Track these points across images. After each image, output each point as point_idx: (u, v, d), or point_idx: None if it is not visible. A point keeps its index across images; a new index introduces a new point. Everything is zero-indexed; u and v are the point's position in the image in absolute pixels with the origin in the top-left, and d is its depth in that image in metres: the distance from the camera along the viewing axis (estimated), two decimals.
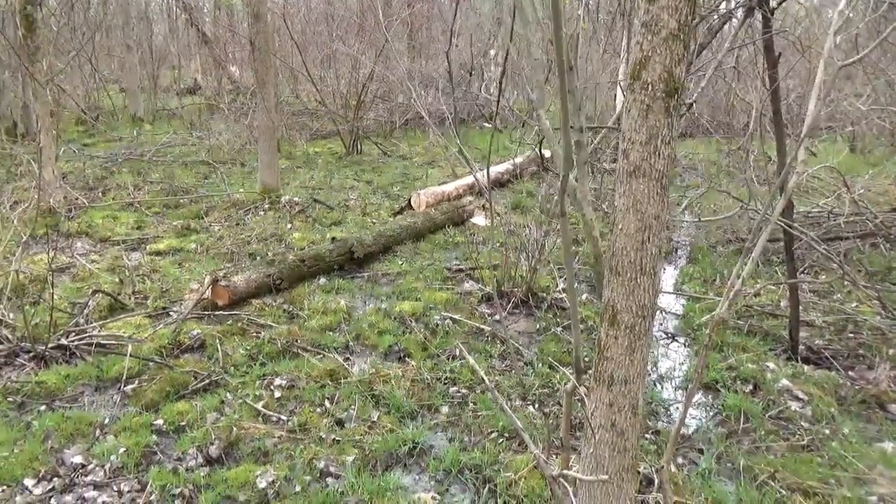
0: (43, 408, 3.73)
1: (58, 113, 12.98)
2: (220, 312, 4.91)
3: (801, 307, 4.64)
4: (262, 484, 3.04)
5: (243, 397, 3.81)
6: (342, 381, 4.02)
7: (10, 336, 4.36)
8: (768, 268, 6.33)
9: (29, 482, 3.09)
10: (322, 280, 5.71)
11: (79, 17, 14.35)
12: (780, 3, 3.08)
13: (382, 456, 3.31)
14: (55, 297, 4.95)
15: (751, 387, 4.16)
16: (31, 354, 4.23)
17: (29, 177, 8.54)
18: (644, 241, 1.72)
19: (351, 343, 4.60)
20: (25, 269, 5.52)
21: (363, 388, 3.93)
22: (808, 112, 2.14)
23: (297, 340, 4.51)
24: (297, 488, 3.03)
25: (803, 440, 3.59)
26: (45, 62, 7.48)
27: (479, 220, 7.78)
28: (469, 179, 8.56)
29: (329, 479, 3.13)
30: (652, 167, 1.66)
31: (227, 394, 3.86)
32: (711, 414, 3.94)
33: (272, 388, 3.93)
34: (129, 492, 3.04)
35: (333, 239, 6.20)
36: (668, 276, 6.43)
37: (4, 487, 3.05)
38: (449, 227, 7.31)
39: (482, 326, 4.85)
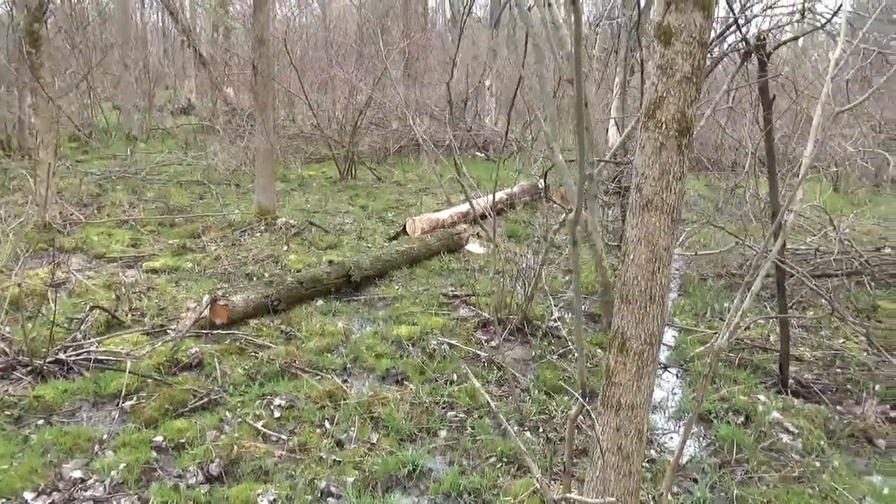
0: (41, 422, 3.72)
1: (55, 129, 12.99)
2: (218, 332, 4.93)
3: (790, 341, 4.75)
4: (263, 502, 3.05)
5: (243, 416, 3.83)
6: (341, 402, 4.04)
7: (7, 350, 4.36)
8: (757, 303, 6.47)
9: (28, 496, 3.08)
10: (319, 302, 5.75)
11: (78, 35, 14.45)
12: (776, 48, 3.24)
13: (382, 477, 3.34)
14: (52, 312, 4.96)
15: (743, 418, 4.24)
16: (29, 368, 4.22)
17: (24, 191, 8.54)
18: (654, 271, 1.81)
19: (349, 365, 4.64)
20: (21, 283, 5.51)
21: (362, 410, 3.96)
22: (806, 153, 2.26)
23: (295, 361, 4.54)
24: None
25: (795, 472, 3.66)
26: (49, 78, 7.54)
27: (475, 247, 7.87)
28: (464, 207, 8.67)
29: (330, 499, 3.15)
30: (664, 201, 1.76)
31: (227, 412, 3.88)
32: (705, 444, 4.01)
33: (272, 407, 3.95)
34: None
35: (331, 262, 6.26)
36: None
37: (4, 501, 3.04)
38: (444, 253, 7.40)
39: (479, 352, 4.91)
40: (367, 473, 3.35)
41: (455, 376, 4.46)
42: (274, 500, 3.07)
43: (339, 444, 3.62)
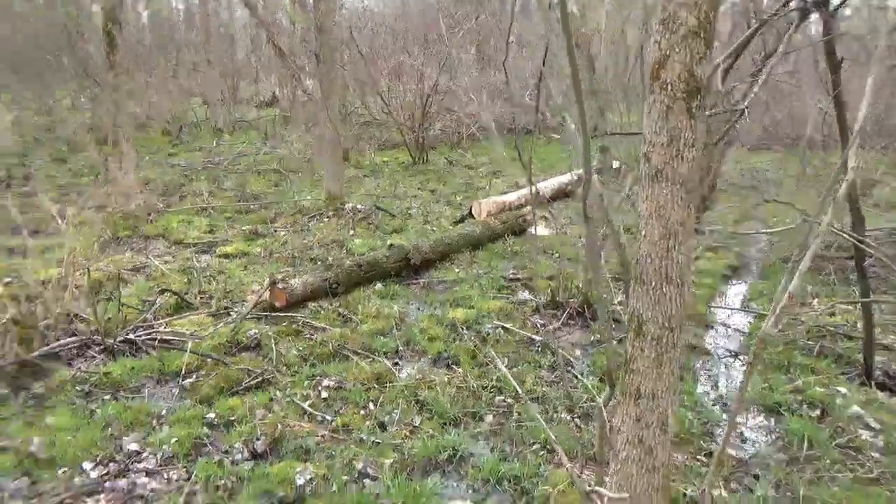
0: (108, 397, 3.94)
1: (144, 124, 13.78)
2: (278, 314, 5.05)
3: (878, 329, 4.34)
4: (300, 481, 3.10)
5: (291, 396, 3.90)
6: (388, 385, 4.05)
7: (84, 329, 4.64)
8: (846, 287, 5.97)
9: (87, 465, 3.26)
10: (378, 285, 5.78)
11: (165, 35, 15.20)
12: (841, 3, 2.91)
13: (421, 461, 3.31)
14: (128, 294, 5.25)
15: (818, 412, 3.92)
16: (102, 347, 4.48)
17: (113, 182, 9.09)
18: (669, 248, 1.66)
19: (401, 348, 4.64)
20: (104, 267, 5.86)
21: (408, 393, 3.95)
22: (858, 117, 2.01)
23: (348, 343, 4.59)
24: (334, 487, 3.06)
25: (872, 472, 3.35)
26: (130, 77, 7.96)
27: (541, 229, 7.70)
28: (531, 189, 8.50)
29: (366, 481, 3.15)
30: (675, 171, 1.60)
31: (277, 392, 3.97)
32: (772, 438, 3.73)
33: (320, 388, 4.01)
34: (176, 480, 3.16)
35: (391, 245, 6.28)
36: (738, 292, 6.18)
37: (65, 469, 3.24)
38: (508, 236, 7.27)
39: (534, 336, 4.79)
40: (406, 456, 3.33)
41: (506, 360, 4.37)
42: (311, 478, 3.11)
43: (382, 426, 3.63)
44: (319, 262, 6.32)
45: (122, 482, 3.16)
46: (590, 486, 2.43)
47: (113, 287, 5.35)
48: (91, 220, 6.42)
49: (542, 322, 5.13)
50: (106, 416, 3.69)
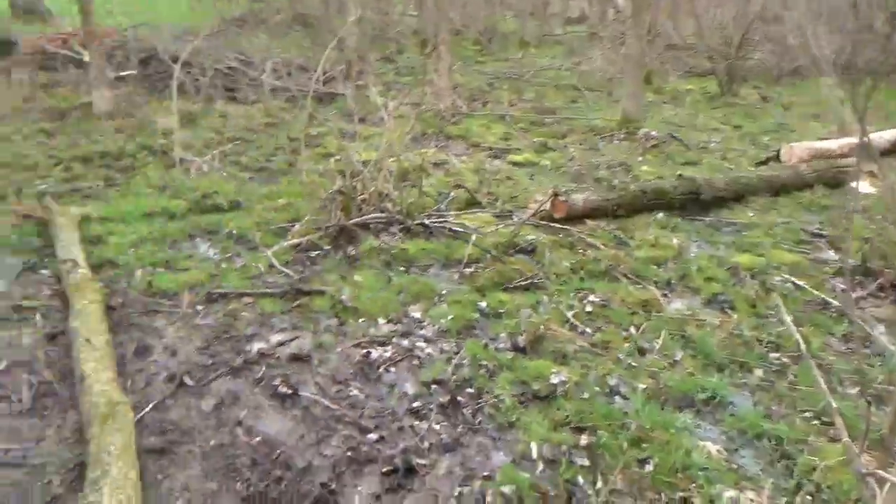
0: (402, 269, 4.53)
1: (459, 31, 14.60)
2: (555, 225, 5.20)
3: None
4: (554, 380, 3.27)
5: (557, 303, 4.07)
6: (654, 314, 3.98)
7: (390, 209, 5.32)
8: None
9: (381, 321, 3.85)
10: (660, 215, 5.57)
11: None
12: None
13: (676, 395, 3.25)
14: (427, 185, 5.85)
15: None
16: (402, 226, 5.10)
17: (429, 83, 9.94)
18: None
19: (673, 282, 4.48)
20: (411, 158, 6.57)
21: (674, 327, 3.84)
22: None
23: (620, 266, 4.57)
24: (585, 395, 3.18)
25: None
26: None
27: (865, 185, 6.60)
28: (856, 139, 7.25)
29: (616, 398, 3.21)
30: None
31: (544, 296, 4.16)
32: None
33: (586, 302, 4.10)
34: (447, 351, 3.57)
35: (680, 176, 5.96)
36: None
37: (364, 319, 3.86)
38: (819, 187, 6.39)
39: (829, 300, 4.25)
40: (662, 386, 3.30)
41: (791, 318, 3.97)
42: (564, 381, 3.26)
43: (641, 351, 3.61)
44: (604, 183, 6.28)
45: (406, 341, 3.67)
46: (868, 469, 2.18)
47: (416, 176, 5.98)
48: (406, 115, 7.18)
49: (843, 287, 4.51)
50: (400, 285, 4.26)
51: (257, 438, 2.92)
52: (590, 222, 5.35)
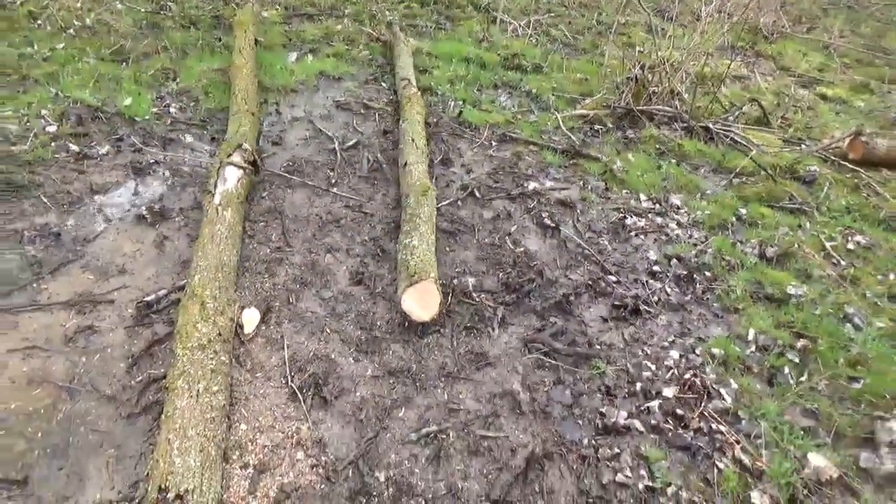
0: (674, 161, 4.80)
1: None
2: (846, 164, 4.99)
3: None
4: (791, 291, 3.46)
5: (819, 232, 4.09)
6: None
7: (678, 106, 5.49)
8: None
9: (643, 197, 4.26)
10: None
11: None
12: None
13: None
14: (722, 94, 5.84)
15: None
16: (685, 125, 5.28)
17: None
18: None
19: None
20: (713, 64, 6.51)
21: None
22: None
23: None
24: (817, 311, 3.34)
25: None
26: None
27: None
28: None
29: (848, 325, 3.31)
30: None
31: (808, 223, 4.19)
32: None
33: (849, 239, 4.07)
34: (695, 238, 3.90)
35: None
36: None
37: (628, 191, 4.29)
38: None
39: None
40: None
41: None
42: (801, 295, 3.44)
43: (894, 297, 3.59)
44: None
45: (660, 219, 4.06)
46: None
47: (713, 83, 5.99)
48: (716, 23, 6.99)
49: None
50: (668, 172, 4.58)
51: (520, 249, 3.62)
52: (886, 172, 5.02)
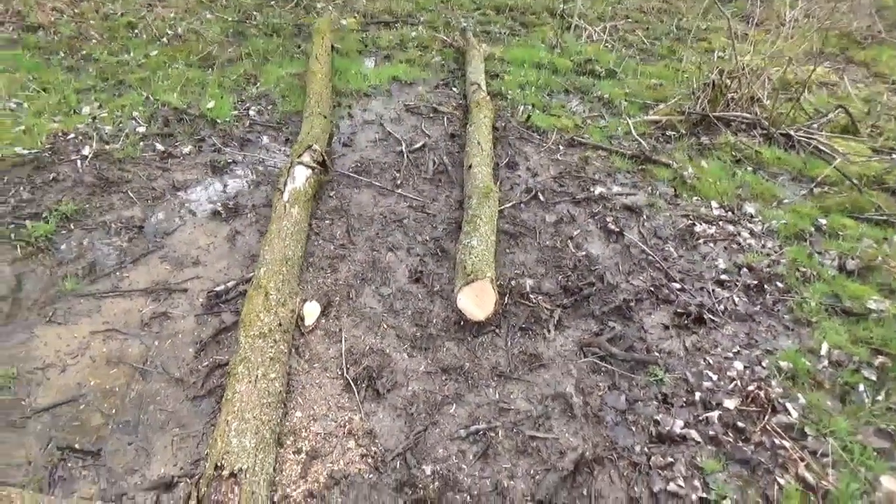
0: (749, 169, 4.61)
1: None
2: None
3: None
4: (872, 306, 3.26)
5: None
6: None
7: (758, 113, 5.28)
8: None
9: (714, 204, 4.12)
10: None
11: None
12: None
13: None
14: (805, 101, 5.57)
15: None
16: (764, 132, 5.07)
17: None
18: None
19: None
20: (799, 71, 6.22)
21: None
22: None
23: None
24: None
25: None
26: None
27: None
28: None
29: None
30: None
31: (894, 235, 3.93)
32: None
33: None
34: (769, 248, 3.74)
35: None
36: None
37: (699, 198, 4.16)
38: None
39: None
40: None
41: None
42: (883, 310, 3.23)
43: None
44: None
45: (731, 227, 3.92)
46: None
47: (797, 89, 5.73)
48: (809, 29, 6.69)
49: None
50: (743, 180, 4.41)
51: (581, 253, 3.58)
52: None
